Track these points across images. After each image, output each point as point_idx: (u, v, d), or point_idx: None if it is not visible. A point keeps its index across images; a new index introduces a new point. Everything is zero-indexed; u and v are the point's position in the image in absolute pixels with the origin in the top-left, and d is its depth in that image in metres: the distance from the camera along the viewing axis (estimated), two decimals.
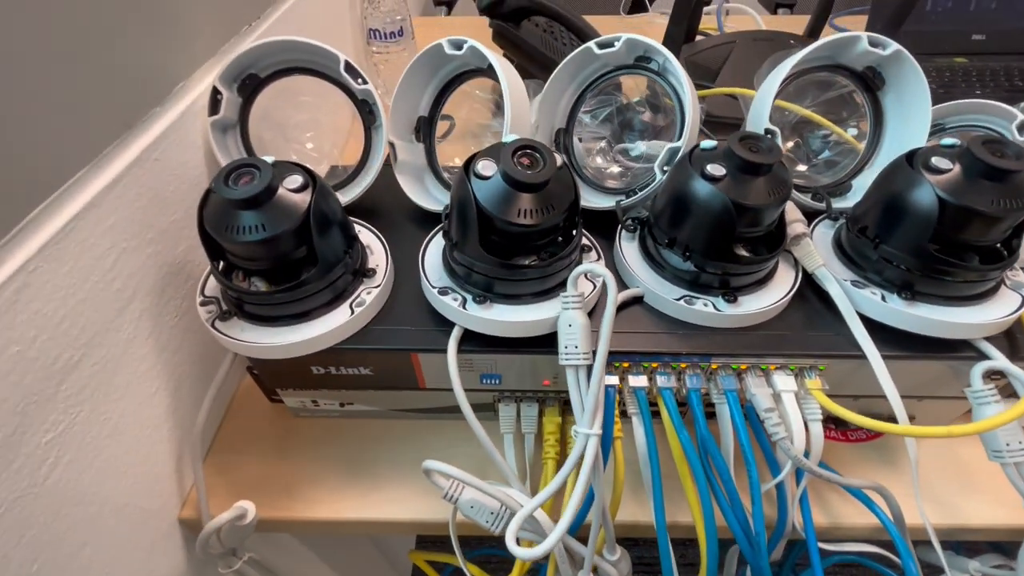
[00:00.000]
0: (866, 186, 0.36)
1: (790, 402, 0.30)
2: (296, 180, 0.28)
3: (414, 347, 0.31)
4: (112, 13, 0.28)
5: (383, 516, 0.34)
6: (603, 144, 0.46)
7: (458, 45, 0.36)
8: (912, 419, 0.37)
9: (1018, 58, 0.81)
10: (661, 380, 0.31)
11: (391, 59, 0.73)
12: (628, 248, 0.35)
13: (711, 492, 0.29)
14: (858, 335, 0.30)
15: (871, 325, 0.31)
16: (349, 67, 0.37)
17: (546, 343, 0.30)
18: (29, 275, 0.23)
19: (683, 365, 0.31)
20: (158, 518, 0.32)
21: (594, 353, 0.28)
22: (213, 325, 0.30)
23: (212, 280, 0.32)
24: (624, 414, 0.32)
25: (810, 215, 0.37)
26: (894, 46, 0.36)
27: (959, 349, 0.31)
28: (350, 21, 0.69)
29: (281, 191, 0.28)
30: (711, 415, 0.32)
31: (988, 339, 0.31)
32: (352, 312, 0.31)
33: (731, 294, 0.31)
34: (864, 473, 0.36)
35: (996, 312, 0.30)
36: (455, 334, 0.30)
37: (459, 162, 0.45)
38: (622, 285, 0.34)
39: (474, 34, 0.63)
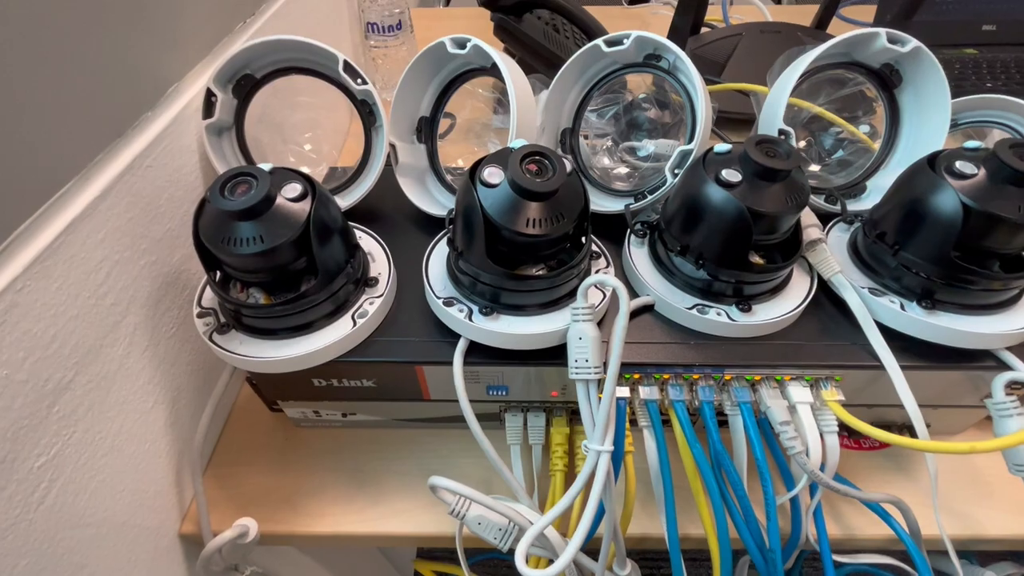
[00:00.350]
0: (881, 187, 0.35)
1: (806, 414, 0.29)
2: (295, 188, 0.27)
3: (418, 360, 0.30)
4: (98, 15, 0.26)
5: (387, 530, 0.34)
6: (608, 143, 0.44)
7: (461, 44, 0.34)
8: (927, 427, 0.36)
9: (1022, 49, 0.79)
10: (673, 392, 0.30)
11: (390, 53, 0.71)
12: (638, 254, 0.34)
13: (724, 507, 0.28)
14: (876, 345, 0.29)
15: (889, 334, 0.30)
16: (348, 67, 0.35)
17: (554, 354, 0.29)
18: (16, 295, 0.21)
19: (695, 376, 0.30)
20: (158, 535, 0.32)
21: (605, 366, 0.27)
22: (211, 338, 0.29)
23: (209, 290, 0.31)
24: (634, 423, 0.31)
25: (824, 217, 0.36)
26: (913, 42, 0.35)
27: (979, 359, 0.30)
28: (348, 15, 0.68)
29: (280, 200, 0.27)
30: (723, 423, 0.32)
31: (1010, 349, 0.30)
32: (354, 324, 0.30)
33: (745, 303, 0.30)
34: (878, 481, 0.35)
35: (1019, 321, 0.29)
36: (460, 346, 0.30)
37: (462, 164, 0.44)
38: (632, 293, 0.33)
39: (473, 26, 0.62)
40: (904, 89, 0.37)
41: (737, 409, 0.30)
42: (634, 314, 0.32)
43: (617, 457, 0.29)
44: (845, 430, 0.36)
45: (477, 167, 0.27)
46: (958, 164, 0.28)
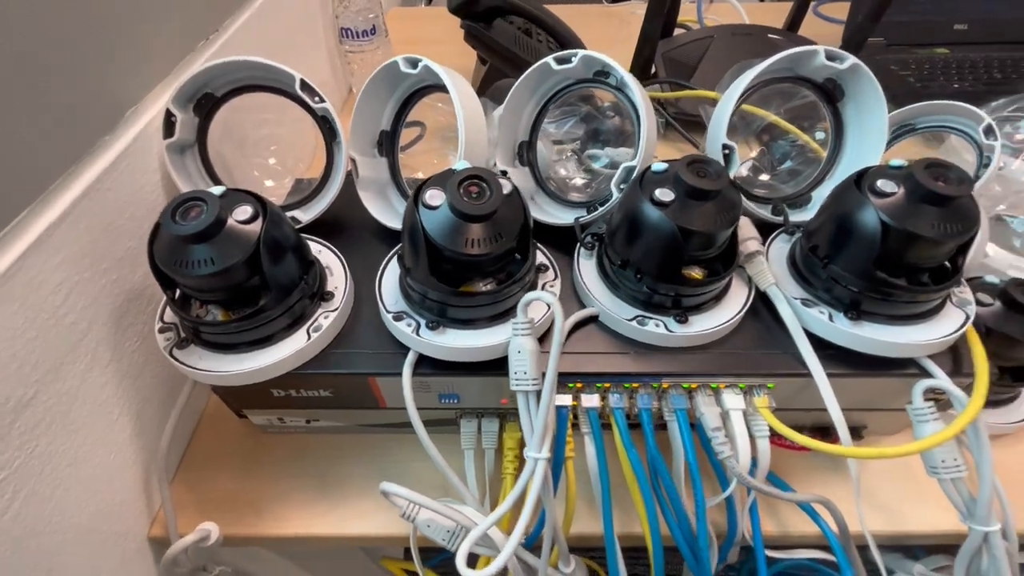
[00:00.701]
0: (824, 199, 0.37)
1: (737, 420, 0.31)
2: (246, 211, 0.29)
3: (370, 371, 0.31)
4: (52, 41, 0.27)
5: (349, 531, 0.35)
6: (570, 152, 0.45)
7: (413, 63, 0.36)
8: (864, 428, 0.38)
9: (999, 48, 0.80)
10: (613, 400, 0.32)
11: (365, 58, 0.72)
12: (586, 266, 0.35)
13: (658, 506, 0.30)
14: (805, 354, 0.31)
15: (820, 343, 0.32)
16: (305, 86, 0.36)
17: (500, 365, 0.31)
18: None
19: (635, 385, 0.32)
20: (127, 539, 0.33)
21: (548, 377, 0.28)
22: (171, 353, 0.31)
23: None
24: (578, 428, 0.33)
25: (772, 228, 0.37)
26: (851, 60, 0.36)
27: (904, 367, 0.31)
28: (322, 20, 0.68)
29: (230, 223, 0.28)
30: (665, 427, 0.33)
31: (932, 357, 0.31)
32: (309, 337, 0.31)
33: (682, 314, 0.32)
34: (819, 480, 0.37)
35: (940, 331, 0.31)
36: (410, 359, 0.31)
37: (422, 175, 0.45)
38: (580, 304, 0.35)
39: (454, 26, 0.62)
40: (847, 103, 0.38)
41: (674, 416, 0.32)
42: (581, 324, 0.34)
43: (557, 463, 0.31)
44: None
45: (420, 190, 0.29)
46: (879, 183, 0.29)
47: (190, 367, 0.30)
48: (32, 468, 0.26)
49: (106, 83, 0.31)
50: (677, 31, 0.81)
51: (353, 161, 0.40)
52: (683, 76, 0.70)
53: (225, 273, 0.28)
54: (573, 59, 0.36)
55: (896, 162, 0.30)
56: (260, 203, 0.30)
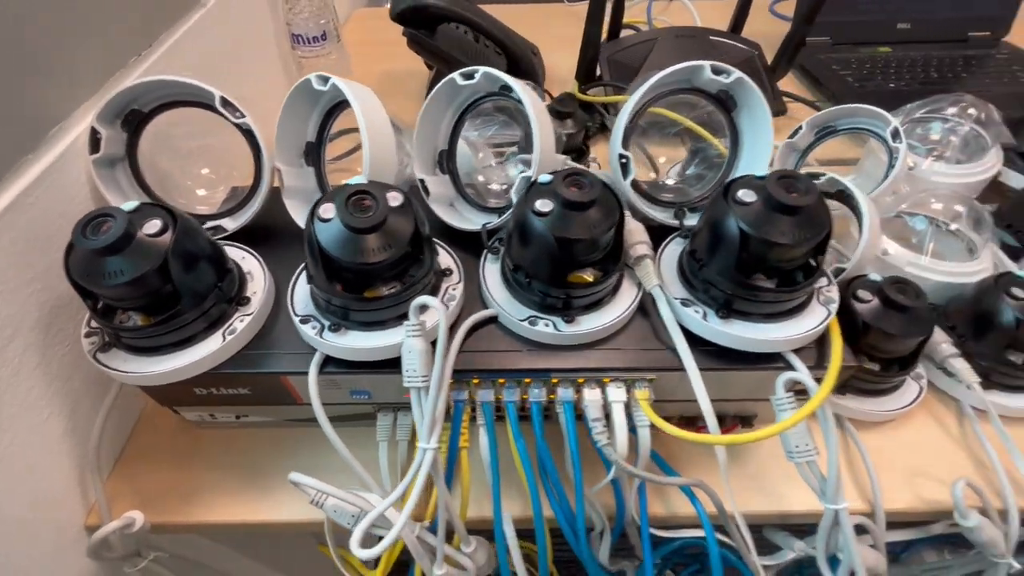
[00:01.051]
0: None
1: (618, 411, 0.34)
2: (155, 224, 0.31)
3: (279, 371, 0.34)
4: None
5: (274, 518, 0.38)
6: (493, 160, 0.48)
7: (324, 80, 0.38)
8: (754, 417, 0.41)
9: (939, 46, 0.83)
10: (507, 394, 0.34)
11: (319, 63, 0.74)
12: (491, 270, 0.38)
13: (543, 491, 0.33)
14: (680, 350, 0.34)
15: (697, 340, 0.34)
16: (225, 102, 0.38)
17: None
18: None
19: (527, 380, 0.35)
20: (64, 528, 0.36)
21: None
22: (95, 357, 0.33)
23: None
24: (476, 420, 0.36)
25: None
26: (736, 74, 0.38)
27: (773, 361, 0.34)
28: (274, 27, 0.70)
29: (140, 236, 0.30)
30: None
31: (800, 350, 0.34)
32: (224, 340, 0.34)
33: (570, 315, 0.34)
34: (708, 464, 0.40)
35: (803, 327, 0.33)
36: (316, 359, 0.34)
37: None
38: (484, 305, 0.37)
39: None
40: (740, 113, 0.41)
41: (563, 408, 0.34)
42: (483, 324, 0.36)
43: (452, 451, 0.33)
44: (684, 419, 0.41)
45: (317, 204, 0.31)
46: (740, 193, 0.32)
47: (113, 369, 0.33)
48: None
49: (28, 103, 0.33)
50: (626, 32, 0.83)
51: (278, 171, 0.42)
52: (627, 78, 0.72)
53: (136, 283, 0.30)
54: (476, 75, 0.38)
55: (761, 172, 0.33)
56: (171, 216, 0.32)
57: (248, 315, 0.35)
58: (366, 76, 0.82)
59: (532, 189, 0.33)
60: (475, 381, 0.35)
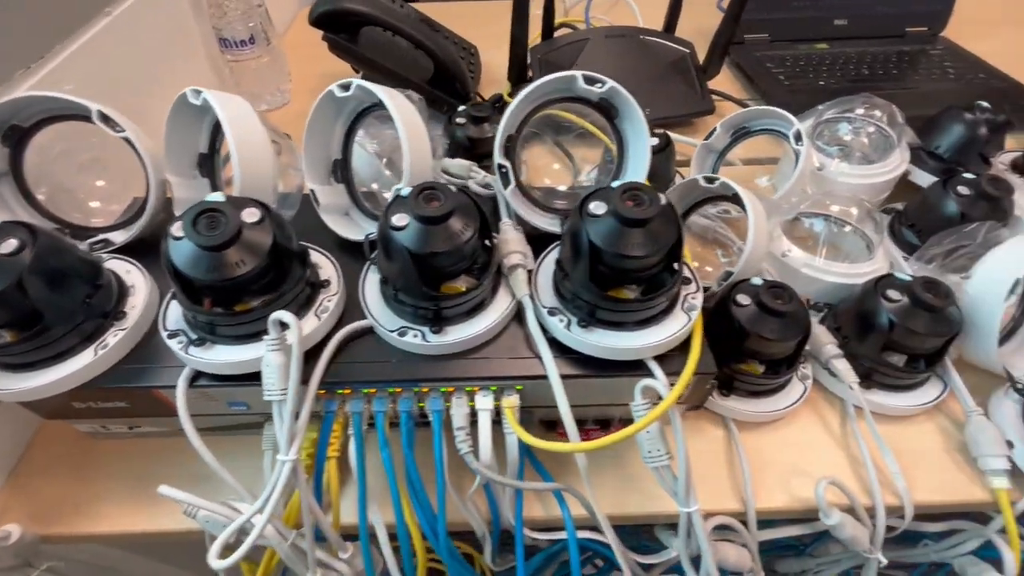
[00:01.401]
0: None
1: (484, 420, 0.34)
2: (11, 244, 0.31)
3: (149, 384, 0.35)
4: None
5: (162, 528, 0.39)
6: (388, 171, 0.48)
7: (196, 94, 0.38)
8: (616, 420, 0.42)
9: (878, 42, 0.83)
10: (377, 404, 0.35)
11: (250, 66, 0.73)
12: (372, 280, 0.38)
13: (407, 497, 0.34)
14: (544, 359, 0.34)
15: (564, 348, 0.35)
16: (103, 116, 0.38)
17: None
18: None
19: (398, 390, 0.35)
20: None
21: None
22: None
23: None
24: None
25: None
26: (609, 83, 0.38)
27: (638, 368, 0.35)
28: (200, 31, 0.69)
29: None
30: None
31: (666, 357, 0.35)
32: (96, 354, 0.34)
33: (438, 325, 0.35)
34: (593, 465, 0.40)
35: (663, 334, 0.34)
36: (185, 373, 0.34)
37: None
38: (363, 315, 0.38)
39: None
40: (622, 120, 0.41)
41: (432, 417, 0.35)
42: (360, 334, 0.37)
43: (319, 462, 0.34)
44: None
45: (170, 223, 0.31)
46: (591, 206, 0.32)
47: None
48: None
49: None
50: (564, 31, 0.83)
51: (168, 183, 0.42)
52: None
53: None
54: (351, 87, 0.38)
55: (616, 184, 0.33)
56: (31, 234, 0.32)
57: (123, 329, 0.35)
58: (306, 78, 0.82)
59: (392, 203, 0.33)
60: (346, 392, 0.35)
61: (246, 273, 0.31)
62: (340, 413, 0.35)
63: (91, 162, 0.45)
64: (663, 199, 0.32)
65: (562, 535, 0.38)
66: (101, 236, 0.41)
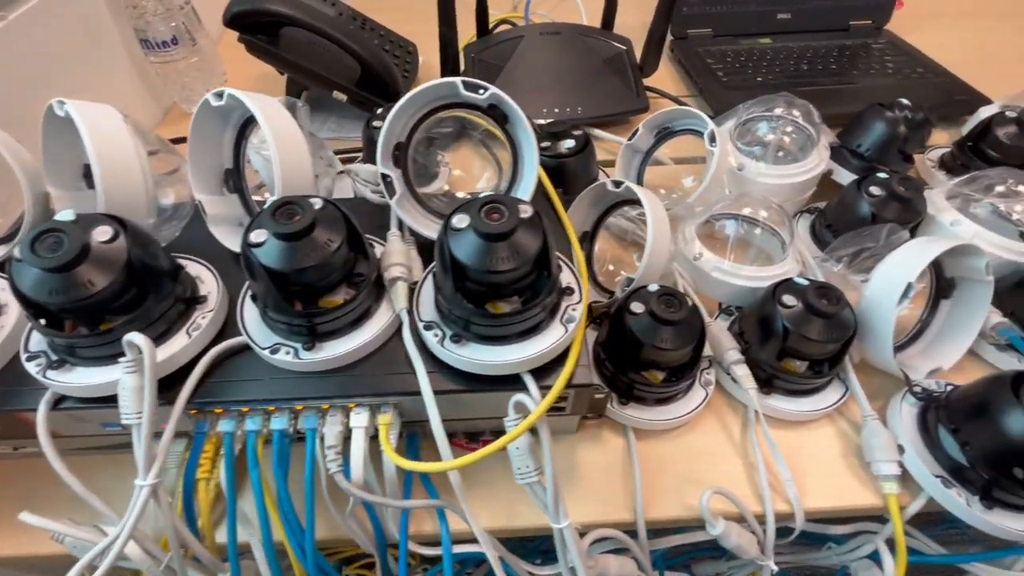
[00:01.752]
0: None
1: (357, 437, 0.34)
2: None
3: (10, 408, 0.34)
4: None
5: (37, 551, 0.38)
6: None
7: (60, 105, 0.36)
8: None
9: (821, 36, 0.83)
10: (250, 423, 0.34)
11: (177, 67, 0.71)
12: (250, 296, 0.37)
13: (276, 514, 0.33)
14: (419, 375, 0.34)
15: (441, 363, 0.34)
16: None
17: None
18: None
19: (271, 408, 0.34)
20: None
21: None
22: None
23: None
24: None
25: None
26: (491, 90, 0.37)
27: (519, 380, 0.34)
28: (121, 34, 0.67)
29: None
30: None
31: (545, 369, 0.34)
32: None
33: (312, 341, 0.34)
34: (487, 477, 0.40)
35: (537, 347, 0.33)
36: (46, 396, 0.33)
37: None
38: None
39: None
40: (514, 126, 0.40)
41: (307, 435, 0.34)
42: (238, 351, 0.36)
43: (188, 483, 0.33)
44: (465, 436, 0.41)
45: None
46: (454, 219, 0.31)
47: None
48: None
49: None
50: (504, 27, 0.82)
51: (47, 196, 0.41)
52: (492, 78, 0.71)
53: None
54: (224, 96, 0.37)
55: (488, 194, 0.33)
56: None
57: None
58: (243, 79, 0.80)
59: (255, 219, 0.32)
60: (218, 411, 0.34)
61: (96, 293, 0.30)
62: (213, 433, 0.34)
63: None
64: (527, 211, 0.31)
65: (458, 548, 0.38)
66: None
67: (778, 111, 0.55)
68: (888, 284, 0.40)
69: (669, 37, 0.83)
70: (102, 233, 0.31)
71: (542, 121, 0.63)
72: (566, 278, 0.37)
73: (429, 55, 0.81)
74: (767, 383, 0.42)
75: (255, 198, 0.44)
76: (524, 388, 0.34)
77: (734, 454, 0.41)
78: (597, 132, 0.68)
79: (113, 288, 0.31)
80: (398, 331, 0.36)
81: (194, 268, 0.39)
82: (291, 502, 0.33)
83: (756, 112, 0.56)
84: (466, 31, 0.74)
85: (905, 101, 0.55)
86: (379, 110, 0.58)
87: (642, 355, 0.40)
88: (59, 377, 0.32)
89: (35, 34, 0.55)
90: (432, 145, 0.56)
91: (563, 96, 0.69)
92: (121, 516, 0.34)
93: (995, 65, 0.81)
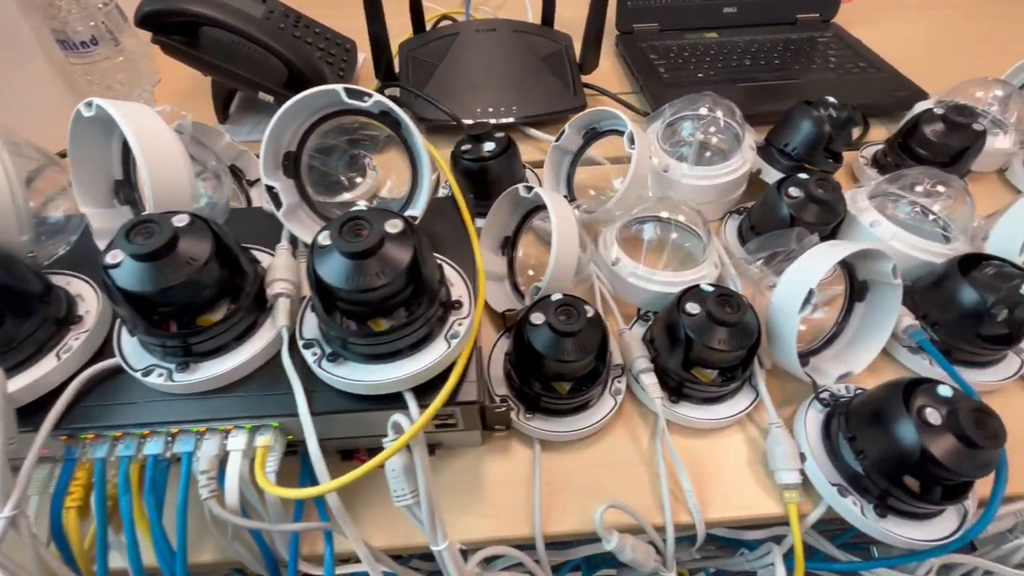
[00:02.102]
0: None
1: (234, 460, 0.33)
2: None
3: None
4: None
5: None
6: None
7: None
8: (439, 446, 0.40)
9: (768, 30, 0.82)
10: (123, 448, 0.33)
11: (100, 68, 0.69)
12: None
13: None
14: (296, 395, 0.32)
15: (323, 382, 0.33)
16: None
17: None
18: None
19: (146, 432, 0.33)
20: None
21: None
22: None
23: None
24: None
25: None
26: (374, 97, 0.36)
27: (397, 400, 0.33)
28: (37, 34, 0.65)
29: None
30: None
31: (429, 386, 0.34)
32: None
33: (185, 363, 0.33)
34: (379, 496, 0.39)
35: (415, 365, 0.32)
36: None
37: None
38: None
39: None
40: (404, 131, 0.39)
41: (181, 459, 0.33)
42: (113, 374, 0.35)
43: (55, 511, 0.32)
44: (368, 452, 0.40)
45: None
46: (320, 236, 0.30)
47: None
48: None
49: None
50: (446, 23, 0.80)
51: None
52: (427, 76, 0.69)
53: None
54: (92, 107, 0.35)
55: (359, 207, 0.31)
56: None
57: None
58: (179, 80, 0.78)
59: (113, 240, 0.31)
60: (89, 436, 0.33)
61: None
62: (85, 459, 0.33)
63: None
64: (396, 225, 0.30)
65: (354, 568, 0.37)
66: None
67: (703, 110, 0.54)
68: (791, 292, 0.39)
69: (615, 32, 0.82)
70: None
71: (470, 121, 0.61)
72: (458, 291, 0.36)
73: (370, 53, 0.80)
74: (676, 391, 0.42)
75: None
76: (398, 407, 0.33)
77: (642, 464, 0.41)
78: (531, 132, 0.67)
79: None
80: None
81: (77, 286, 0.38)
82: (162, 528, 0.32)
83: (682, 112, 0.55)
84: (407, 27, 0.73)
85: (831, 99, 0.54)
86: None
87: (545, 367, 0.39)
88: None
89: None
90: (356, 148, 0.55)
91: (498, 95, 0.67)
92: None
93: (945, 58, 0.81)
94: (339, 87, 0.36)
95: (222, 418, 0.33)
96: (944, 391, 0.34)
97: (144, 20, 0.57)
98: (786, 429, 0.40)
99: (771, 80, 0.72)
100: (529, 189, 0.45)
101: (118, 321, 0.35)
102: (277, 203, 0.38)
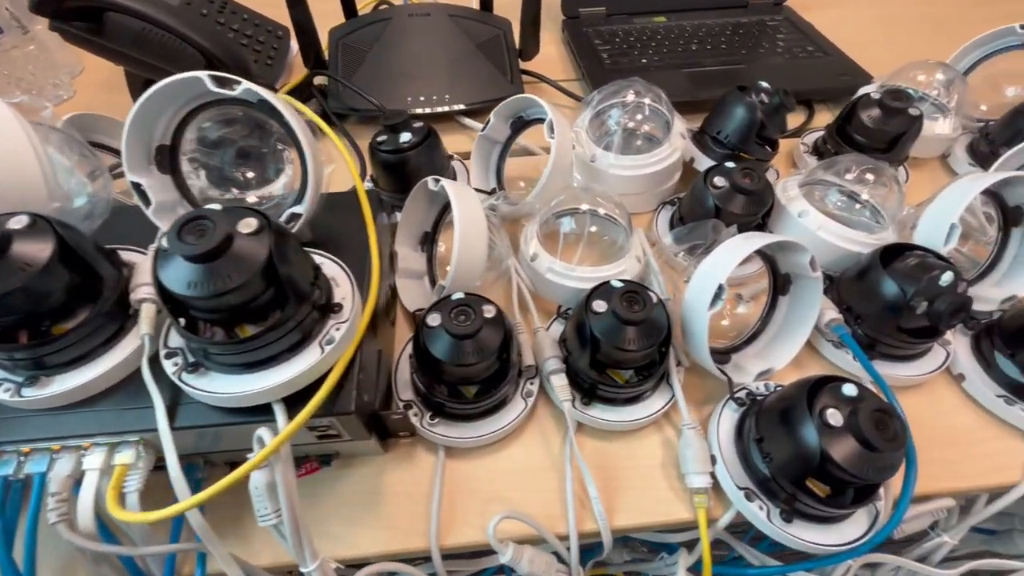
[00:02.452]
0: None
1: (89, 480, 0.30)
2: None
3: None
4: None
5: None
6: None
7: None
8: (335, 456, 0.38)
9: (715, 14, 0.79)
10: None
11: (9, 57, 0.65)
12: None
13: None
14: (156, 408, 0.30)
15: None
16: None
17: None
18: None
19: None
20: None
21: None
22: None
23: None
24: None
25: None
26: (244, 85, 0.33)
27: (267, 412, 0.31)
28: None
29: None
30: None
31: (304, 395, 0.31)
32: None
33: (34, 376, 0.31)
34: (320, 506, 0.37)
35: (284, 374, 0.30)
36: None
37: None
38: None
39: None
40: (287, 123, 0.36)
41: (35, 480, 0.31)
42: None
43: None
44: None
45: None
46: (163, 242, 0.28)
47: None
48: None
49: None
50: (384, 7, 0.77)
51: None
52: (357, 63, 0.66)
53: None
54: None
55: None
56: None
57: None
58: (98, 69, 0.74)
59: None
60: None
61: None
62: None
63: None
64: (247, 225, 0.27)
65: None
66: None
67: (629, 97, 0.52)
68: (701, 288, 0.37)
69: (561, 17, 0.80)
70: None
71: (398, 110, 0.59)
72: (342, 292, 0.34)
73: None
74: (590, 392, 0.40)
75: None
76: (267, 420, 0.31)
77: (552, 469, 0.39)
78: (466, 121, 0.64)
79: None
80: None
81: None
82: (11, 559, 0.30)
83: (609, 100, 0.53)
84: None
85: (764, 84, 0.52)
86: None
87: (444, 371, 0.37)
88: None
89: None
90: (270, 139, 0.52)
91: (431, 83, 0.64)
92: None
93: (898, 42, 0.79)
94: (203, 74, 0.33)
95: (77, 435, 0.30)
96: (849, 390, 0.32)
97: (39, 6, 0.53)
98: (700, 430, 0.38)
99: (717, 65, 0.69)
100: (436, 182, 0.43)
101: None
102: (145, 200, 0.35)
